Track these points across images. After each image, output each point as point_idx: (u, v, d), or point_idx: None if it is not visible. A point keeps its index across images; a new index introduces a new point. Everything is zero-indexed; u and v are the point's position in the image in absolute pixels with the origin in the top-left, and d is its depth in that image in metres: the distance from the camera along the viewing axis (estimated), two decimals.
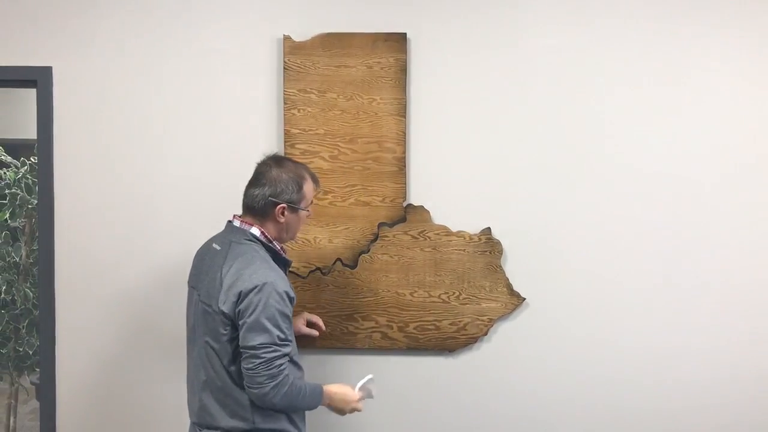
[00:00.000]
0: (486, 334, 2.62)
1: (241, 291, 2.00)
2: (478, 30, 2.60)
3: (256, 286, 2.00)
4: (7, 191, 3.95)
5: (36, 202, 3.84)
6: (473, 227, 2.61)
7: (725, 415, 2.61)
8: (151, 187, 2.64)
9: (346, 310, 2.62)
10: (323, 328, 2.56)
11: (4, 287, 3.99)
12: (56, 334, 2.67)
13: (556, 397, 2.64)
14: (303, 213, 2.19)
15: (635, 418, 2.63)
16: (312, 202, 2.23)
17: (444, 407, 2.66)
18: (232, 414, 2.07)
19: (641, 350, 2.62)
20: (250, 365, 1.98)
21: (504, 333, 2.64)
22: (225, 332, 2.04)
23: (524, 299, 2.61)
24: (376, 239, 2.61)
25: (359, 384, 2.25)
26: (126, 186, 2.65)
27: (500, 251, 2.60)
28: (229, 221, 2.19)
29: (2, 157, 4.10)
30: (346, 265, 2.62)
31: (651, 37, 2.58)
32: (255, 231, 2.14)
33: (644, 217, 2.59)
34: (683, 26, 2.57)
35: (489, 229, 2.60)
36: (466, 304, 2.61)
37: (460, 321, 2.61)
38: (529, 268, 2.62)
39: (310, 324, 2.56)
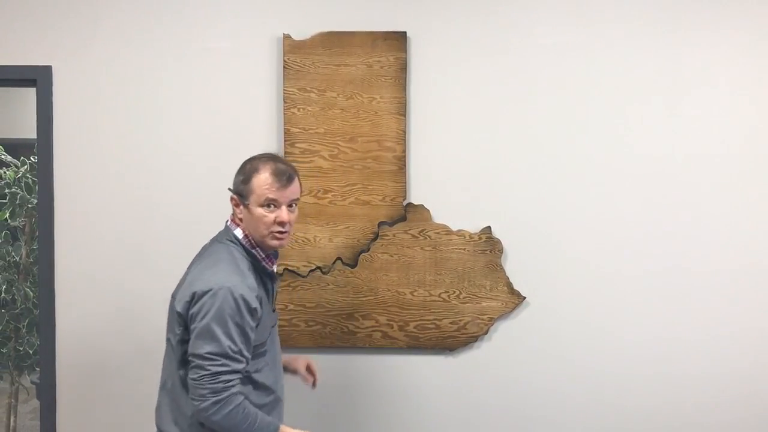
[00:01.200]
0: (486, 332, 2.62)
1: (195, 292, 1.85)
2: (478, 29, 2.60)
3: (210, 289, 1.83)
4: (7, 191, 3.94)
5: (36, 201, 3.84)
6: (473, 226, 2.61)
7: (727, 411, 2.62)
8: (151, 185, 2.64)
9: (347, 309, 2.62)
10: (316, 382, 2.30)
11: (4, 286, 3.99)
12: (56, 334, 2.67)
13: (556, 395, 2.64)
14: (256, 211, 1.92)
15: (636, 415, 2.63)
16: (273, 202, 1.92)
17: (444, 406, 2.66)
18: (174, 420, 1.94)
19: (641, 348, 2.62)
20: (195, 375, 1.82)
21: (504, 332, 2.64)
22: (177, 332, 1.91)
23: (524, 298, 2.61)
24: (376, 238, 2.61)
25: None
26: (126, 185, 2.65)
27: (500, 250, 2.60)
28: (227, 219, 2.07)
29: (2, 156, 4.09)
30: (346, 264, 2.62)
31: (651, 37, 2.58)
32: (238, 233, 1.98)
33: (644, 215, 2.60)
34: (684, 26, 2.57)
35: (489, 228, 2.60)
36: (467, 303, 2.61)
37: (460, 320, 2.61)
38: (529, 266, 2.62)
39: (309, 369, 2.32)
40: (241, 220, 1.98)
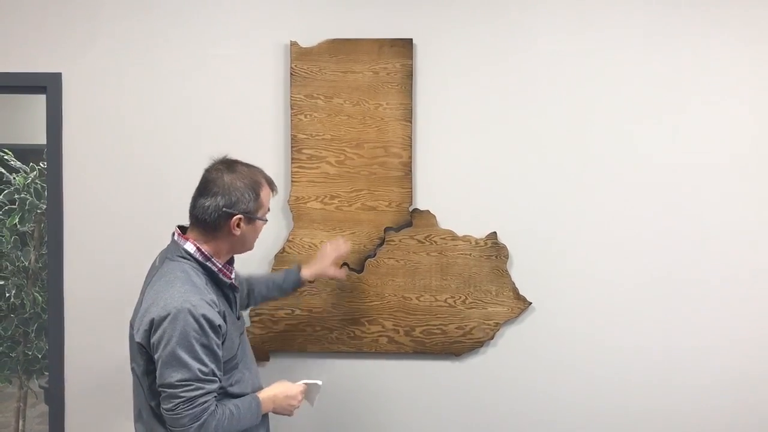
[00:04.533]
0: (492, 338, 2.63)
1: (153, 319, 1.75)
2: (484, 35, 2.61)
3: (168, 314, 1.73)
4: (16, 196, 3.97)
5: (45, 206, 3.86)
6: (479, 231, 2.62)
7: (733, 416, 2.61)
8: (159, 191, 2.66)
9: (353, 314, 2.63)
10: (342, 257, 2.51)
11: (13, 291, 4.02)
12: (65, 338, 2.69)
13: (563, 401, 2.64)
14: (260, 223, 1.95)
15: (642, 421, 2.63)
16: (269, 209, 2.00)
17: (450, 411, 2.66)
18: None
19: (648, 353, 2.62)
20: (169, 405, 1.74)
21: (510, 337, 2.64)
22: (140, 363, 1.82)
23: (530, 303, 2.62)
24: (382, 244, 2.62)
25: (307, 380, 2.07)
26: (134, 190, 2.66)
27: (506, 255, 2.61)
28: (173, 233, 1.97)
29: (12, 162, 4.13)
30: (352, 269, 2.63)
31: (660, 43, 2.58)
32: (189, 247, 1.88)
33: (651, 221, 2.60)
34: (686, 29, 2.58)
35: (495, 233, 2.61)
36: (473, 308, 2.61)
37: (466, 325, 2.62)
38: (535, 272, 2.62)
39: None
40: (231, 237, 1.90)
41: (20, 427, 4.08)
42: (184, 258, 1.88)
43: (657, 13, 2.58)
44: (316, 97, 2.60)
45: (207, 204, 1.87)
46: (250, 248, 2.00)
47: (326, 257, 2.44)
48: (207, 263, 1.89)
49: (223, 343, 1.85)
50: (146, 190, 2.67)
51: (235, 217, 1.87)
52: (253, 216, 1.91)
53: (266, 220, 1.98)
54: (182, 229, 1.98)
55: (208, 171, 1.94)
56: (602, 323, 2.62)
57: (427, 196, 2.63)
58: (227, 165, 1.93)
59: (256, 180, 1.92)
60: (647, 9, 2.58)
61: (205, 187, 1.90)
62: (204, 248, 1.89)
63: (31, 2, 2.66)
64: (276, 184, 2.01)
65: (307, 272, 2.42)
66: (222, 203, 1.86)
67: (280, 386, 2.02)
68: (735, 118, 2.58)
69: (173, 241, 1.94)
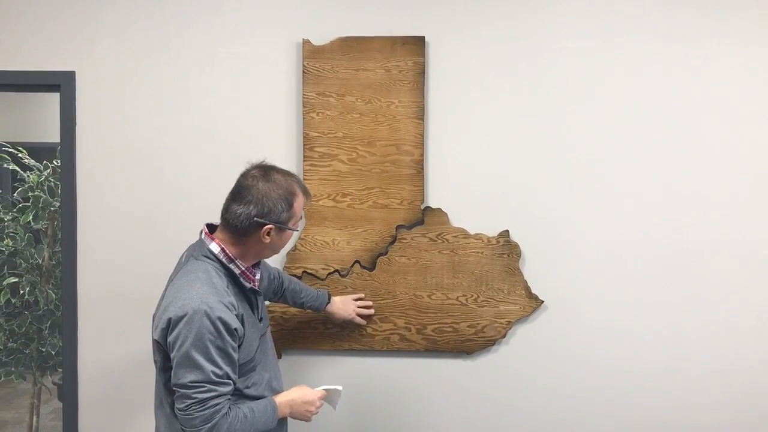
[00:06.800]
0: (504, 336, 2.62)
1: (170, 318, 1.77)
2: (496, 33, 2.60)
3: (185, 314, 1.74)
4: (30, 194, 4.00)
5: (58, 204, 3.89)
6: (491, 230, 2.61)
7: (743, 411, 2.60)
8: (172, 190, 2.67)
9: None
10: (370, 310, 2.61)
11: (27, 288, 4.04)
12: (78, 335, 2.71)
13: (574, 400, 2.63)
14: (290, 232, 1.96)
15: (653, 419, 2.62)
16: (301, 217, 2.01)
17: (461, 409, 2.66)
18: None
19: (661, 351, 2.60)
20: (182, 405, 1.76)
21: (522, 335, 2.64)
22: (158, 359, 1.86)
23: (542, 302, 2.61)
24: (394, 241, 2.61)
25: (326, 386, 2.09)
26: (147, 189, 2.68)
27: (518, 254, 2.60)
28: (201, 230, 1.98)
29: (26, 160, 4.15)
30: (364, 267, 2.63)
31: (675, 43, 2.56)
32: (214, 247, 1.89)
33: (664, 220, 2.58)
34: (698, 30, 2.56)
35: (507, 231, 2.60)
36: (484, 306, 2.61)
37: (478, 323, 2.61)
38: (547, 270, 2.61)
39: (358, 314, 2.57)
40: (260, 244, 1.90)
41: (34, 424, 4.11)
42: (208, 258, 1.89)
43: (679, 11, 2.55)
44: (328, 95, 2.60)
45: (239, 211, 1.87)
46: (277, 253, 2.02)
47: (351, 312, 2.55)
48: (230, 265, 1.90)
49: (240, 345, 1.86)
50: (159, 188, 2.68)
51: (266, 227, 1.88)
52: (284, 226, 1.92)
53: (297, 230, 2.00)
54: (211, 228, 1.99)
55: (243, 176, 1.94)
56: (615, 321, 2.61)
57: (439, 194, 2.63)
58: (263, 172, 1.92)
59: (291, 190, 1.92)
60: (661, 9, 2.56)
61: (239, 193, 1.90)
62: (230, 250, 1.91)
63: (44, 0, 2.67)
64: None
65: (331, 310, 2.51)
66: (254, 212, 1.87)
67: (298, 391, 2.01)
68: (753, 120, 2.55)
69: (200, 239, 1.96)
